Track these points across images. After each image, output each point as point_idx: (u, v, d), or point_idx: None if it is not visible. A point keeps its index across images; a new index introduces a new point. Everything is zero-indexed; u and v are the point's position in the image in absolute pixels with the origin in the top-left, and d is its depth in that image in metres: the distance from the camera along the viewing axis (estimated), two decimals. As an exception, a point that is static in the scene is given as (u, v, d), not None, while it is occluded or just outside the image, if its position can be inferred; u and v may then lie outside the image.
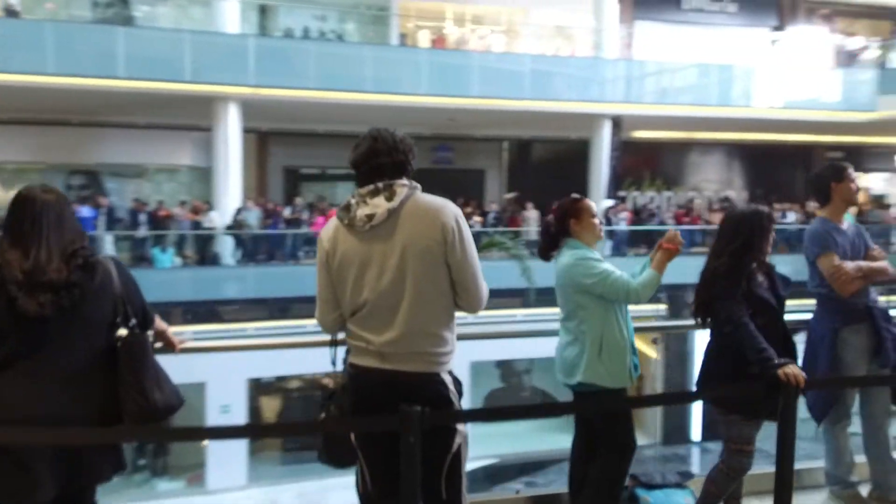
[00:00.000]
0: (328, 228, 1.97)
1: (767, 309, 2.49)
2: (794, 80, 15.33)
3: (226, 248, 12.37)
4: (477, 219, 13.44)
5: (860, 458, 2.96)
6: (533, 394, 14.90)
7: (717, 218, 14.90)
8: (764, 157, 18.20)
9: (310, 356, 2.59)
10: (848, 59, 17.27)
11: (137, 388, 1.87)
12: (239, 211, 12.31)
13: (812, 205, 15.90)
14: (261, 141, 15.50)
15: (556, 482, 8.57)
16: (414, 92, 12.74)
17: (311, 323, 2.26)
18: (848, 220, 3.01)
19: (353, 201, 1.90)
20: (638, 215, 15.70)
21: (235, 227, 12.20)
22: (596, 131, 14.40)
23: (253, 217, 12.63)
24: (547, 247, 2.72)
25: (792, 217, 15.34)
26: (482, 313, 2.04)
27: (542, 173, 16.78)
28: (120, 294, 1.91)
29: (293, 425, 8.58)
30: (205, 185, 13.88)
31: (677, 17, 17.18)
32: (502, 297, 11.59)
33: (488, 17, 16.46)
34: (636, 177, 17.57)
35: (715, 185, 18.35)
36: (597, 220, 2.66)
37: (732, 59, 15.60)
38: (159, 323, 2.19)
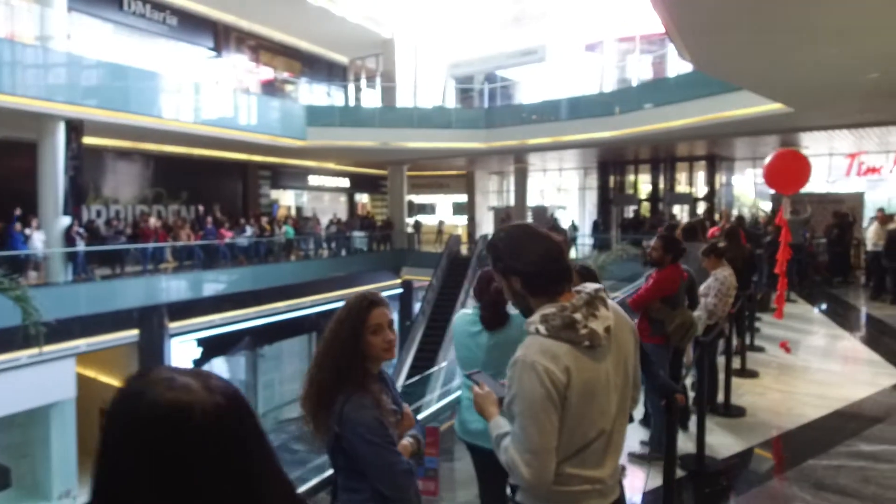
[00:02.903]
0: (552, 354, 1.51)
1: None
2: (236, 103, 16.44)
3: None
4: None
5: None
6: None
7: (185, 234, 14.75)
8: (209, 170, 18.82)
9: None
10: (276, 90, 19.71)
11: None
12: None
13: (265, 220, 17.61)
14: None
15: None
16: None
17: None
18: None
19: (576, 316, 1.53)
20: (94, 233, 13.92)
21: None
22: (46, 135, 12.00)
23: None
24: (498, 319, 2.68)
25: (250, 231, 16.52)
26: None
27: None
28: None
29: None
30: None
31: (119, 18, 15.97)
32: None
33: None
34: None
35: (165, 196, 17.87)
36: None
37: (181, 74, 15.55)
38: None
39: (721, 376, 5.07)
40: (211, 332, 14.60)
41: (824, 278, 12.35)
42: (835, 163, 17.24)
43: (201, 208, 17.44)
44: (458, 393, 2.91)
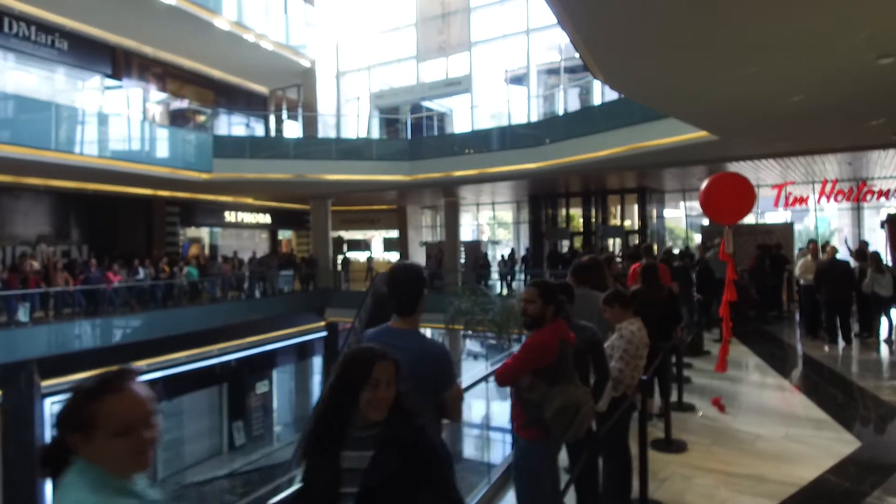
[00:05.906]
0: None
1: None
2: (138, 134, 15.04)
3: None
4: None
5: None
6: None
7: (62, 279, 13.10)
8: (105, 207, 17.11)
9: None
10: (184, 120, 18.28)
11: None
12: None
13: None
14: None
15: None
16: None
17: None
18: None
19: None
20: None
21: None
22: None
23: None
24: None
25: (143, 273, 14.88)
26: None
27: None
28: None
29: None
30: None
31: (-4, 40, 14.39)
32: None
33: None
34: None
35: (52, 236, 16.02)
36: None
37: (69, 102, 14.06)
38: None
39: (636, 450, 3.97)
40: (95, 389, 12.83)
41: (759, 313, 11.71)
42: (762, 194, 16.98)
43: (92, 254, 15.72)
44: None
